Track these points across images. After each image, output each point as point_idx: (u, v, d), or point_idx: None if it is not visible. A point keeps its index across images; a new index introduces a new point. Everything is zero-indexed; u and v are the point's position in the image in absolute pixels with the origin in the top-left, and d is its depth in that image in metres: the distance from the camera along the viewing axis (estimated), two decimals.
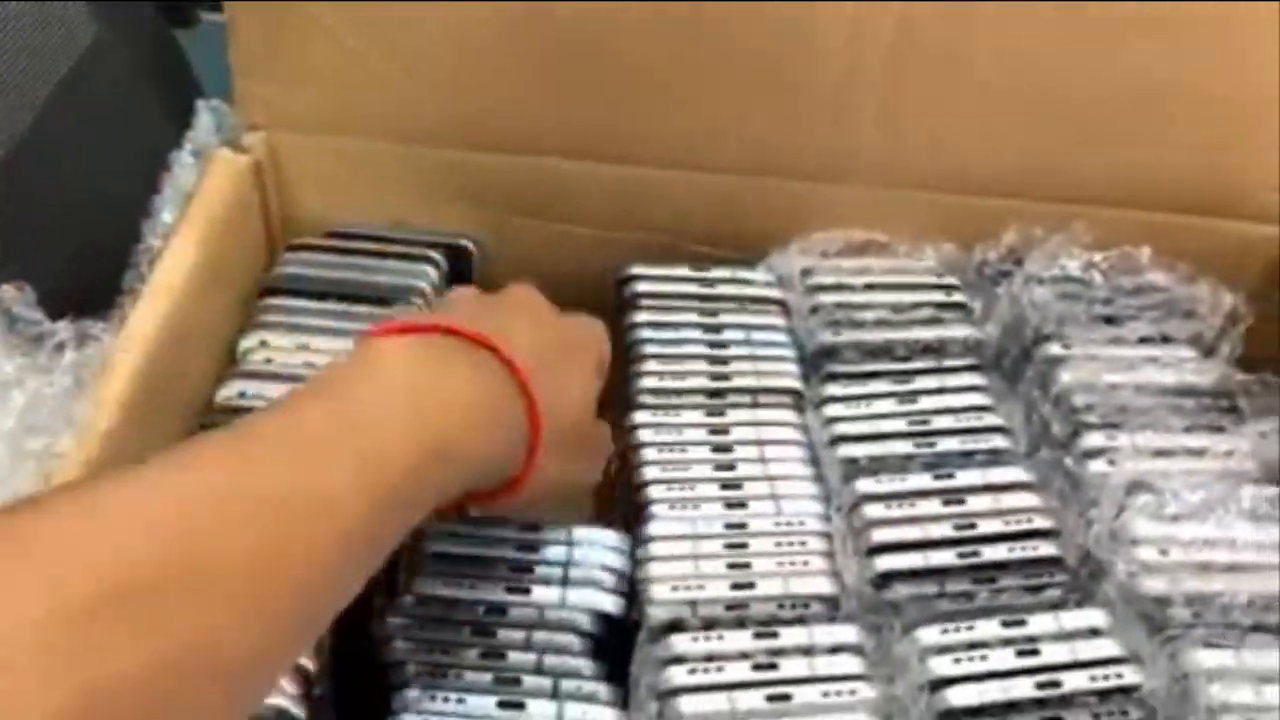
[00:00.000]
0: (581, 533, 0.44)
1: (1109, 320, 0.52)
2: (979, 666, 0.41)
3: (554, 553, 0.43)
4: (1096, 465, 0.47)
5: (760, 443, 0.48)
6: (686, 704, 0.39)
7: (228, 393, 0.48)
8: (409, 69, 0.52)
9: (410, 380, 0.34)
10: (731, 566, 0.44)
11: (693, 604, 0.43)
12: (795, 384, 0.50)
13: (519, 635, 0.41)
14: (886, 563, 0.44)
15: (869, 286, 0.53)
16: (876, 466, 0.47)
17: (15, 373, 0.45)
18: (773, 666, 0.41)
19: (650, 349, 0.51)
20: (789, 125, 0.53)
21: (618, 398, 0.50)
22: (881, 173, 0.54)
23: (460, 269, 0.54)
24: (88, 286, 0.52)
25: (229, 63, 0.53)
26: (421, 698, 0.40)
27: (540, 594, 0.42)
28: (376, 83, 0.52)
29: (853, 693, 0.40)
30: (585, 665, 0.41)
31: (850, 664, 0.41)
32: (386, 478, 0.31)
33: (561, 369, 0.40)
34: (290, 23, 0.51)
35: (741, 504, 0.46)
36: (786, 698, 0.40)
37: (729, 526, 0.45)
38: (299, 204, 0.56)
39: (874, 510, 0.46)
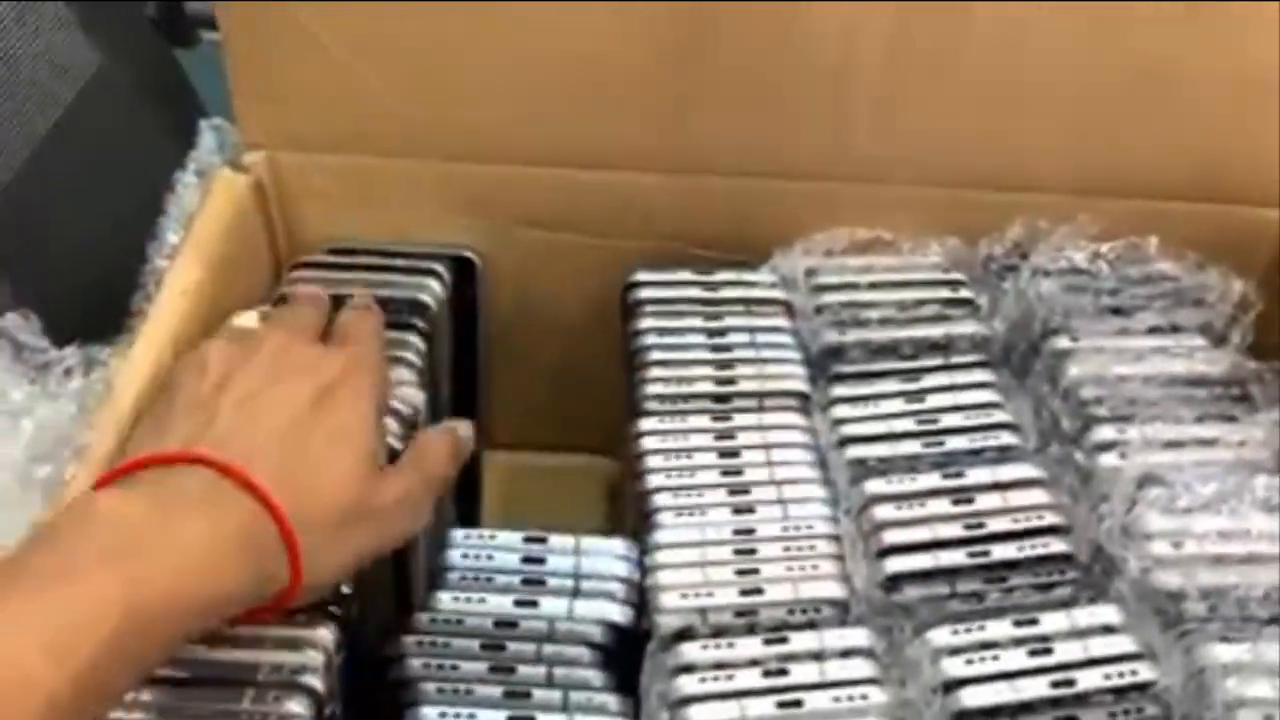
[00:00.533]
0: (589, 542, 0.44)
1: (1117, 311, 0.52)
2: (992, 667, 0.41)
3: (562, 563, 0.43)
4: (1107, 459, 0.47)
5: (767, 446, 0.48)
6: (697, 713, 0.39)
7: None
8: (406, 83, 0.52)
9: (120, 540, 0.32)
10: (740, 573, 0.44)
11: (702, 611, 0.42)
12: (801, 386, 0.50)
13: (529, 648, 0.41)
14: (896, 564, 0.44)
15: (874, 285, 0.53)
16: (885, 467, 0.47)
17: (24, 401, 0.45)
18: (783, 672, 0.41)
19: (655, 355, 0.51)
20: (788, 125, 0.53)
21: (626, 403, 0.50)
22: (883, 170, 0.54)
23: (464, 280, 0.54)
24: (94, 310, 0.53)
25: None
26: (432, 715, 0.40)
27: (549, 606, 0.42)
28: (374, 98, 0.52)
29: (864, 697, 0.40)
30: (595, 676, 0.41)
31: (862, 668, 0.41)
32: (82, 647, 0.30)
33: (319, 450, 0.38)
34: (286, 41, 0.51)
35: (749, 509, 0.46)
36: (798, 704, 0.40)
37: (737, 532, 0.45)
38: (303, 222, 0.56)
39: (883, 511, 0.45)
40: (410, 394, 0.46)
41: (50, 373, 0.47)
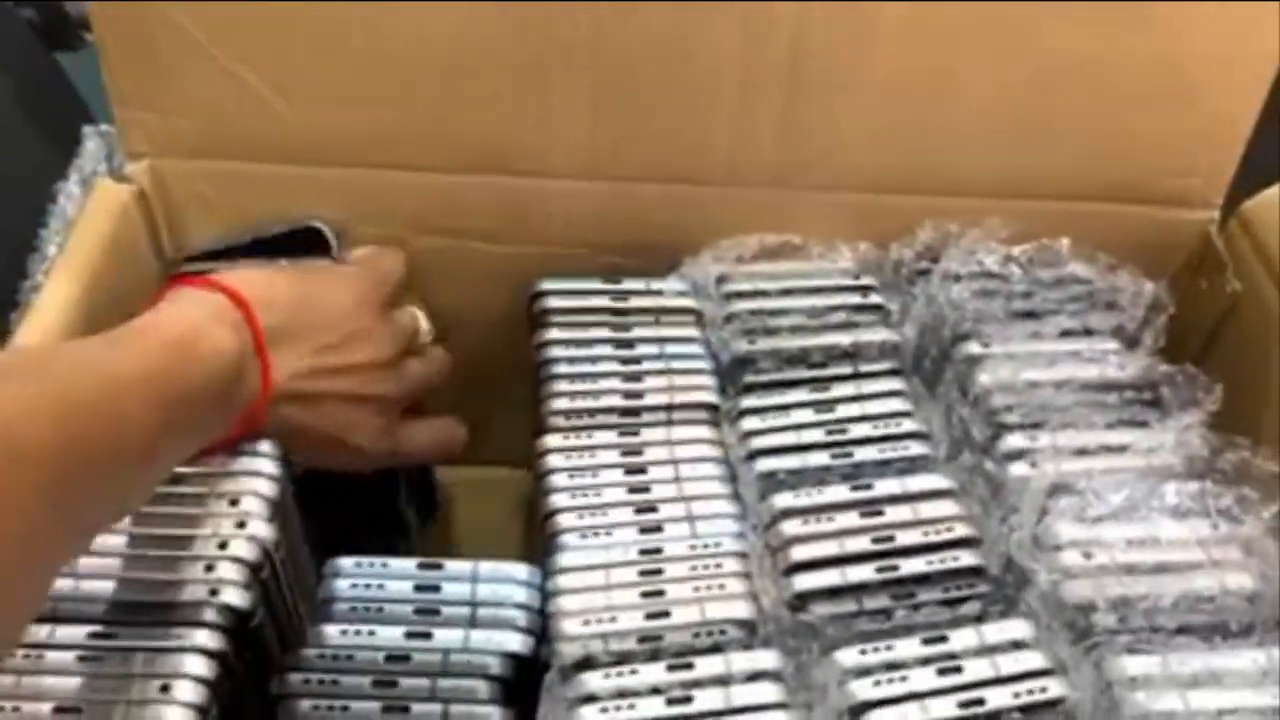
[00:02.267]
0: (488, 568, 0.43)
1: (1029, 315, 0.51)
2: (900, 688, 0.40)
3: (457, 591, 0.42)
4: (1018, 468, 0.46)
5: (675, 461, 0.47)
6: None
7: None
8: (292, 87, 0.50)
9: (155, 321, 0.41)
10: (645, 595, 0.42)
11: (604, 637, 0.41)
12: (711, 398, 0.49)
13: (423, 683, 0.40)
14: (804, 582, 0.43)
15: (784, 292, 0.52)
16: (794, 480, 0.46)
17: None
18: (687, 700, 0.39)
19: (561, 368, 0.49)
20: (694, 130, 0.51)
21: (533, 418, 0.49)
22: (791, 174, 0.53)
23: (317, 252, 0.51)
24: None
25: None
26: None
27: (443, 637, 0.40)
28: (260, 103, 0.50)
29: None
30: (493, 712, 0.39)
31: (769, 692, 0.40)
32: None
33: (316, 285, 0.47)
34: (164, 45, 0.49)
35: (656, 528, 0.44)
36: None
37: (643, 552, 0.43)
38: (188, 231, 0.53)
39: (791, 527, 0.44)
40: None
41: None
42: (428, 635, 0.40)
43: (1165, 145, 0.53)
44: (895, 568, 0.43)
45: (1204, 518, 0.44)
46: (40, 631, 0.38)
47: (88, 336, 0.40)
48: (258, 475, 0.42)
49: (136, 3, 0.48)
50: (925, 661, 0.40)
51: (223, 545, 0.39)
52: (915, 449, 0.47)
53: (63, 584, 0.40)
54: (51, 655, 0.37)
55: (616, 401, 0.48)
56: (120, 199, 0.52)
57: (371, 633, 0.40)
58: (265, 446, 0.42)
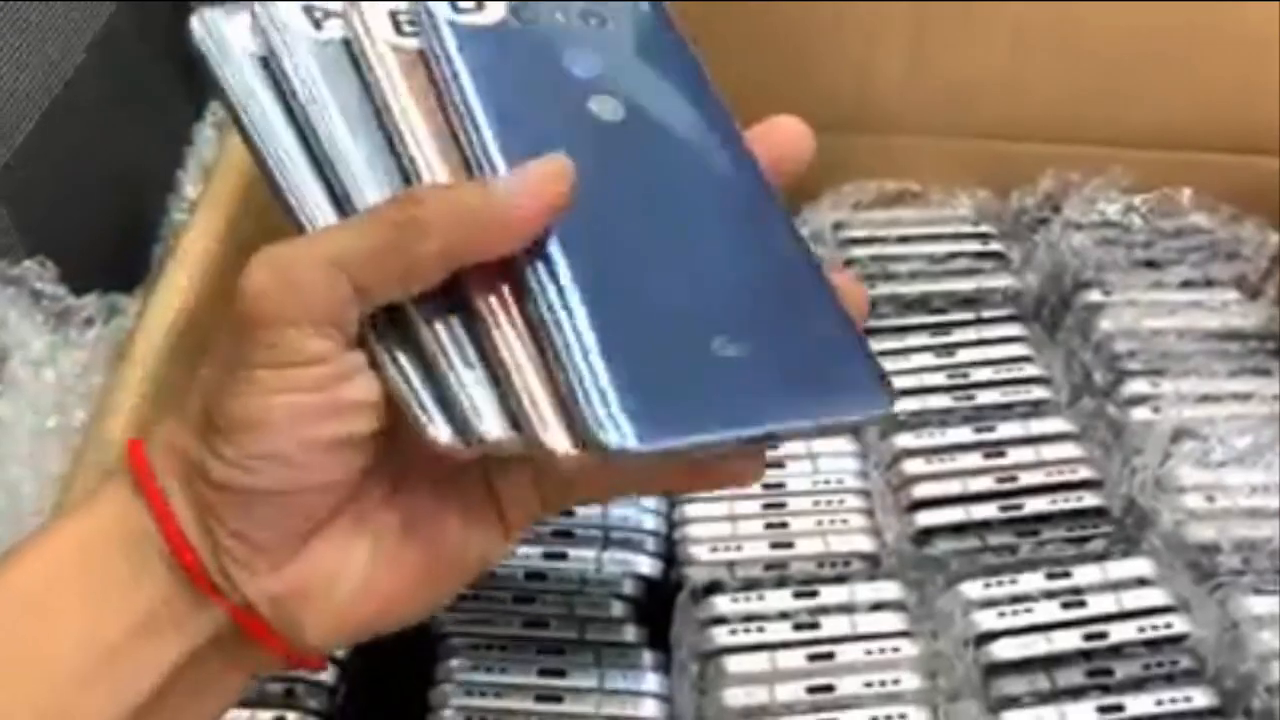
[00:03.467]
0: None
1: (1150, 264, 0.51)
2: (1024, 619, 0.40)
3: (590, 514, 0.43)
4: (1140, 413, 0.46)
5: None
6: (729, 664, 0.39)
7: None
8: None
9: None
10: (769, 526, 0.43)
11: (731, 565, 0.42)
12: None
13: (560, 601, 0.41)
14: (927, 518, 0.44)
15: (903, 239, 0.52)
16: (916, 421, 0.46)
17: (45, 350, 0.45)
18: (814, 625, 0.40)
19: None
20: (812, 74, 0.52)
21: None
22: (911, 120, 0.53)
23: None
24: (113, 260, 0.52)
25: None
26: (463, 666, 0.39)
27: (578, 557, 0.42)
28: None
29: (896, 650, 0.40)
30: (627, 630, 0.41)
31: (893, 621, 0.41)
32: None
33: None
34: None
35: (779, 464, 0.45)
36: (829, 656, 0.40)
37: (766, 487, 0.44)
38: None
39: (914, 466, 0.45)
40: None
41: (70, 321, 0.47)
42: (563, 556, 0.42)
43: None
44: (1019, 506, 0.44)
45: None
46: None
47: None
48: None
49: None
50: (1049, 595, 0.41)
51: None
52: (1037, 393, 0.47)
53: None
54: None
55: None
56: None
57: (511, 552, 0.42)
58: None
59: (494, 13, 0.32)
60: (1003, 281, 0.51)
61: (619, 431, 0.26)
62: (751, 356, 0.28)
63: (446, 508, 0.29)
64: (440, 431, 0.27)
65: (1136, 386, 0.47)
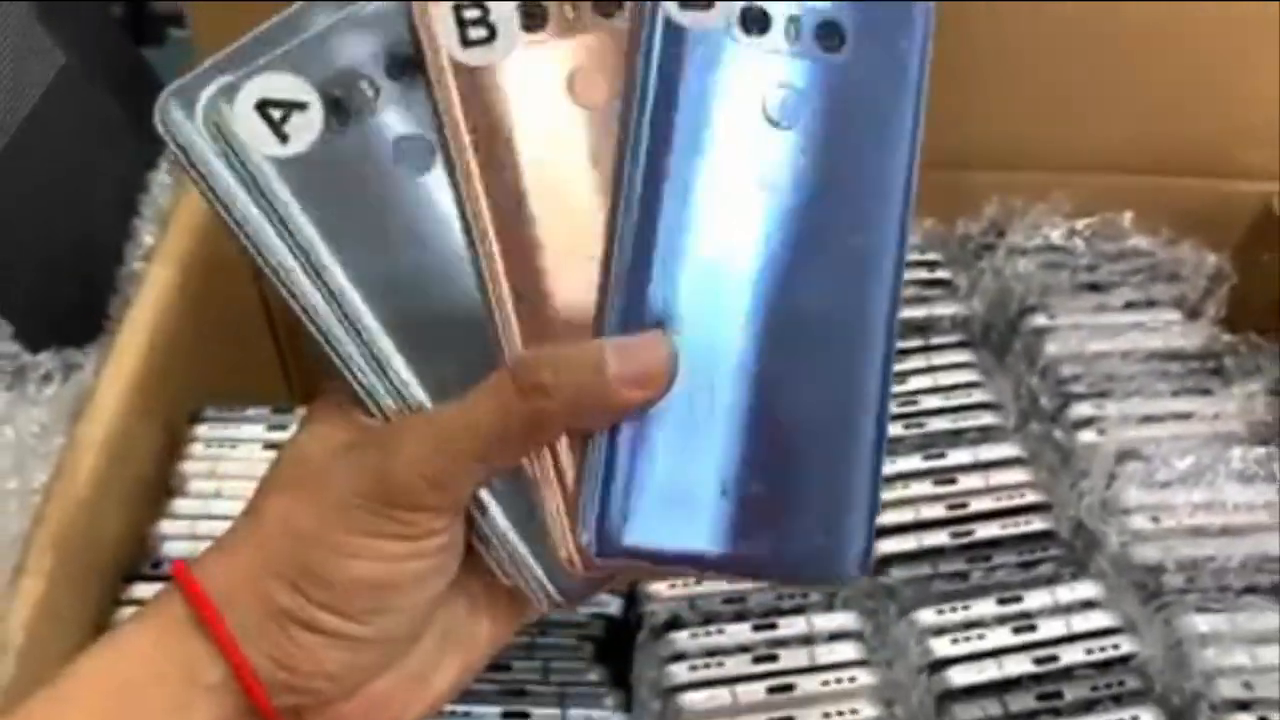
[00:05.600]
0: None
1: (1093, 287, 0.52)
2: (977, 645, 0.41)
3: None
4: (1086, 435, 0.47)
5: None
6: (689, 700, 0.40)
7: None
8: None
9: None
10: None
11: (691, 599, 0.43)
12: None
13: (522, 640, 0.42)
14: (881, 546, 0.44)
15: None
16: None
17: (3, 408, 0.45)
18: (773, 658, 0.41)
19: None
20: None
21: None
22: None
23: None
24: (69, 314, 0.52)
25: None
26: None
27: None
28: None
29: (853, 679, 0.41)
30: (590, 670, 0.41)
31: (850, 651, 0.42)
32: None
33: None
34: None
35: None
36: (788, 688, 0.40)
37: None
38: None
39: None
40: None
41: (26, 378, 0.47)
42: None
43: (1226, 118, 0.54)
44: (970, 533, 0.45)
45: (1269, 482, 0.46)
46: None
47: None
48: None
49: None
50: (1001, 620, 0.42)
51: None
52: (986, 419, 0.48)
53: (185, 547, 0.42)
54: None
55: None
56: None
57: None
58: None
59: (717, 15, 0.28)
60: (950, 309, 0.52)
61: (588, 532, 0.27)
62: (764, 494, 0.28)
63: (476, 610, 0.31)
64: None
65: (1082, 410, 0.48)
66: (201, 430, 0.49)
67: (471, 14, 0.28)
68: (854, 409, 0.29)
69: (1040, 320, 0.51)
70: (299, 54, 0.28)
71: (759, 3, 0.29)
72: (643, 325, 0.28)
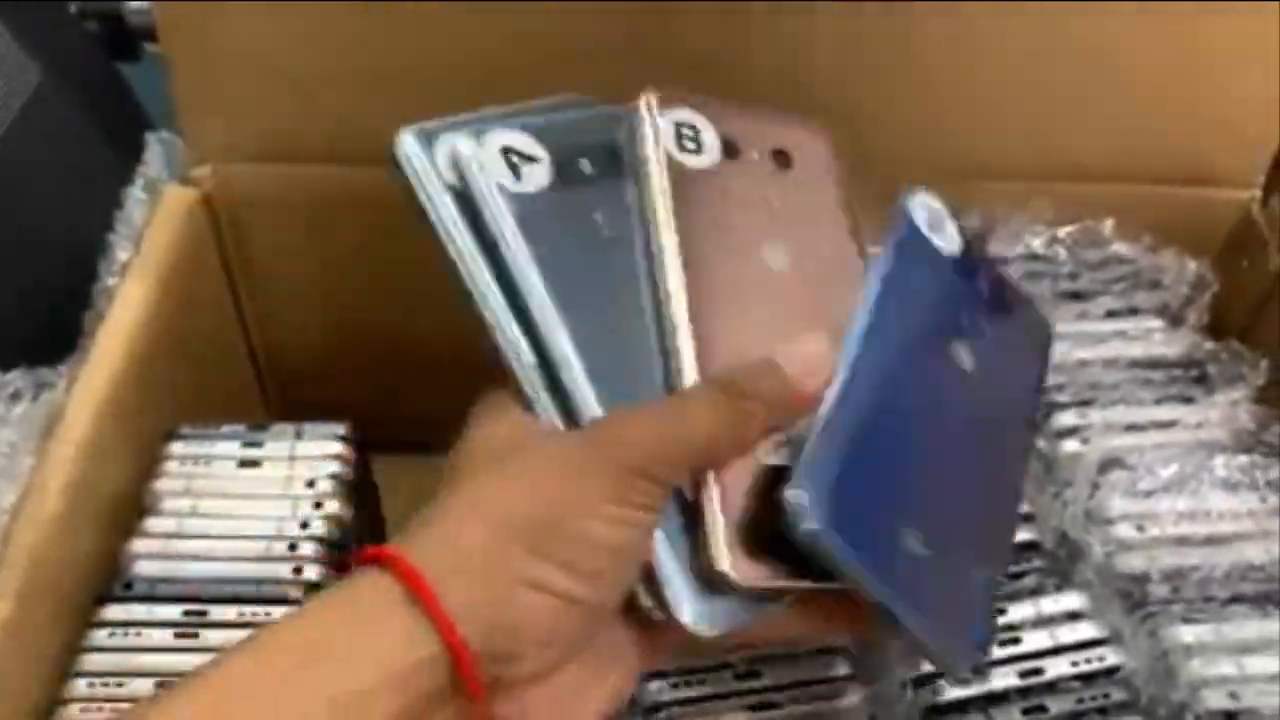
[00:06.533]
0: None
1: (1075, 296, 0.52)
2: None
3: None
4: (1069, 445, 0.47)
5: None
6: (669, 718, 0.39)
7: None
8: (354, 90, 0.51)
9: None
10: None
11: None
12: None
13: None
14: None
15: None
16: None
17: None
18: (756, 675, 0.41)
19: None
20: None
21: None
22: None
23: None
24: (42, 331, 0.52)
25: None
26: None
27: None
28: (322, 106, 0.52)
29: (838, 695, 0.40)
30: None
31: (838, 665, 0.41)
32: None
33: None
34: (227, 51, 0.50)
35: None
36: (772, 705, 0.40)
37: None
38: (252, 234, 0.55)
39: None
40: None
41: None
42: None
43: (1205, 124, 0.54)
44: None
45: (1253, 490, 0.45)
46: (138, 610, 0.40)
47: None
48: (333, 458, 0.44)
49: (202, 4, 0.49)
50: None
51: (304, 525, 0.41)
52: None
53: (158, 566, 0.42)
54: (150, 633, 0.39)
55: None
56: (186, 203, 0.54)
57: None
58: (339, 428, 0.44)
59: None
60: None
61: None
62: (928, 560, 0.34)
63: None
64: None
65: (1066, 419, 0.48)
66: (176, 448, 0.48)
67: (688, 130, 0.37)
68: (1003, 495, 0.38)
69: None
70: (538, 123, 0.35)
71: None
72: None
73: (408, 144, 0.34)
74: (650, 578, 0.33)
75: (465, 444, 0.33)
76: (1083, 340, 0.50)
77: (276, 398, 0.62)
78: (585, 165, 0.35)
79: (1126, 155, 0.54)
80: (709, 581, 0.33)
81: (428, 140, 0.34)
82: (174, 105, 0.53)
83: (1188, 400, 0.48)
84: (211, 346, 0.57)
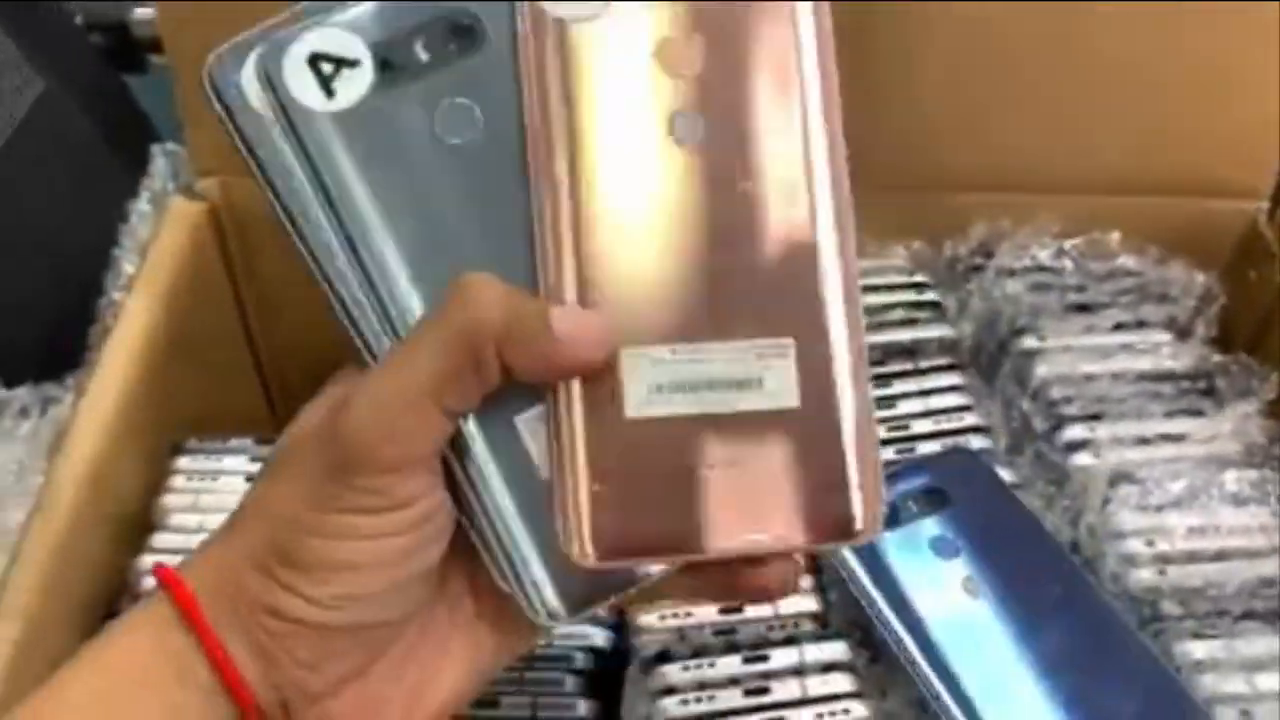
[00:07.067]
0: None
1: (1082, 308, 0.52)
2: None
3: None
4: (1079, 458, 0.47)
5: None
6: None
7: None
8: None
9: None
10: None
11: (681, 631, 0.42)
12: None
13: (511, 675, 0.41)
14: None
15: None
16: None
17: None
18: (764, 691, 0.41)
19: None
20: None
21: None
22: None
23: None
24: (48, 345, 0.52)
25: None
26: None
27: None
28: None
29: (846, 711, 0.40)
30: (578, 703, 0.41)
31: (842, 682, 0.41)
32: None
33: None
34: None
35: None
36: None
37: None
38: (258, 245, 0.55)
39: None
40: None
41: (3, 413, 0.47)
42: None
43: (1212, 137, 0.54)
44: None
45: (1264, 504, 0.45)
46: None
47: None
48: None
49: (207, 14, 0.49)
50: None
51: None
52: (977, 442, 0.47)
53: None
54: None
55: None
56: (192, 215, 0.54)
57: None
58: None
59: None
60: (939, 331, 0.51)
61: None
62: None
63: (480, 616, 0.30)
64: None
65: (1074, 432, 0.47)
66: (183, 462, 0.48)
67: None
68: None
69: (1030, 342, 0.50)
70: (357, 16, 0.28)
71: None
72: None
73: (214, 68, 0.29)
74: (503, 555, 0.28)
75: (282, 434, 0.29)
76: (1090, 354, 0.50)
77: (282, 409, 0.62)
78: (419, 51, 0.28)
79: (1133, 167, 0.54)
80: (566, 561, 0.27)
81: (237, 61, 0.29)
82: (179, 117, 0.53)
83: (1197, 414, 0.48)
84: (217, 359, 0.56)
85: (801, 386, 0.28)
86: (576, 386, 0.27)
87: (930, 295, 0.53)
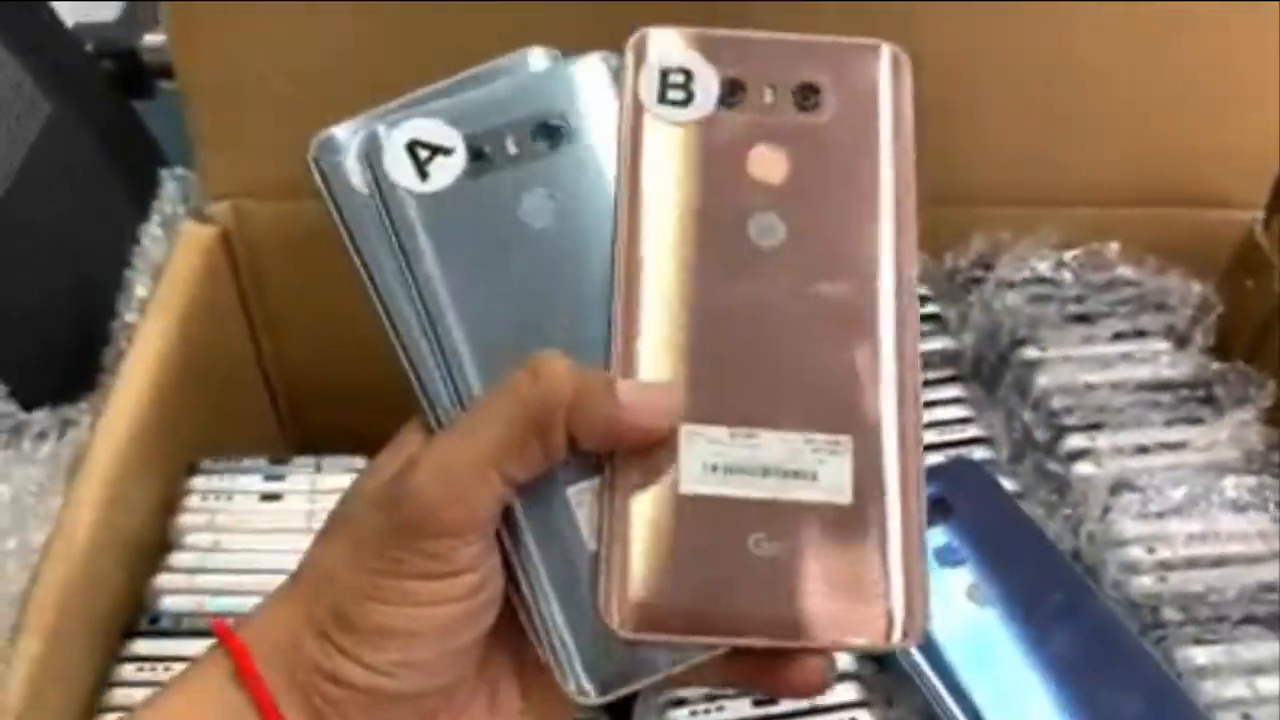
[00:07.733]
0: None
1: (1082, 319, 0.53)
2: None
3: None
4: (1081, 468, 0.47)
5: None
6: None
7: None
8: None
9: None
10: None
11: None
12: None
13: None
14: None
15: None
16: None
17: (1, 468, 0.45)
18: (773, 700, 0.41)
19: None
20: None
21: None
22: None
23: None
24: (63, 368, 0.52)
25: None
26: None
27: None
28: None
29: None
30: (592, 717, 0.41)
31: (849, 691, 0.42)
32: None
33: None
34: (244, 87, 0.51)
35: None
36: None
37: None
38: (269, 269, 0.56)
39: None
40: None
41: (22, 436, 0.47)
42: None
43: (1209, 147, 0.54)
44: None
45: (1263, 510, 0.46)
46: (166, 645, 0.41)
47: None
48: None
49: (219, 40, 0.50)
50: None
51: None
52: (979, 453, 0.48)
53: (183, 601, 0.43)
54: (178, 667, 0.40)
55: None
56: (204, 239, 0.55)
57: None
58: (358, 461, 0.45)
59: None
60: (940, 343, 0.52)
61: None
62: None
63: (524, 685, 0.30)
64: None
65: (1075, 441, 0.48)
66: (198, 482, 0.49)
67: (676, 77, 0.30)
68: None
69: (1031, 353, 0.51)
70: (451, 103, 0.31)
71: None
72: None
73: (318, 148, 0.31)
74: (543, 625, 0.28)
75: (345, 494, 0.29)
76: (1090, 364, 0.51)
77: (293, 428, 0.62)
78: (509, 145, 0.30)
79: (1131, 179, 0.55)
80: (604, 634, 0.27)
81: (341, 142, 0.31)
82: (190, 141, 0.54)
83: (1196, 422, 0.49)
84: (229, 380, 0.57)
85: (855, 484, 0.28)
86: (634, 458, 0.28)
87: (931, 308, 0.53)
